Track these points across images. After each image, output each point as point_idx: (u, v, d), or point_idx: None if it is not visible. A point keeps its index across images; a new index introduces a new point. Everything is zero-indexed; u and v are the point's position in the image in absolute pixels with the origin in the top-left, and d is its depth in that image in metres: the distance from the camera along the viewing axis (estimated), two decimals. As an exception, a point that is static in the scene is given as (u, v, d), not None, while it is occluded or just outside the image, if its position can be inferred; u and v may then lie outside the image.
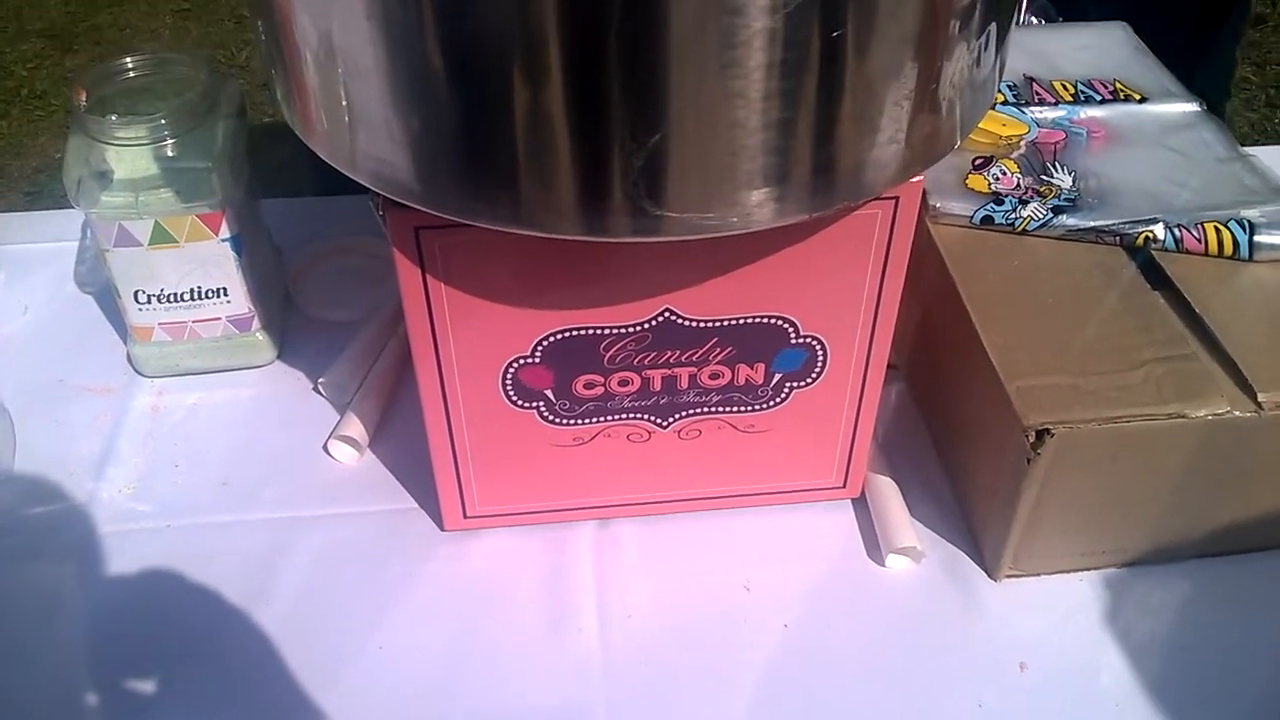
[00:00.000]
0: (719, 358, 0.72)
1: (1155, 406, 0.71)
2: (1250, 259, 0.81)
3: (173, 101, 0.85)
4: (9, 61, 2.76)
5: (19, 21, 2.91)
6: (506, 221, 0.58)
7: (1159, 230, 0.81)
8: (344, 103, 0.60)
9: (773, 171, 0.56)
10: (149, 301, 0.88)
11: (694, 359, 0.72)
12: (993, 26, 0.61)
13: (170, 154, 0.83)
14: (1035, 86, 0.95)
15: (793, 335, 0.72)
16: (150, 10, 2.91)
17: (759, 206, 0.58)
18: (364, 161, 0.62)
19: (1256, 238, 0.81)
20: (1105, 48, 1.01)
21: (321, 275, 1.02)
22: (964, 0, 0.56)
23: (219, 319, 0.90)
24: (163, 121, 0.83)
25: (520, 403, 0.73)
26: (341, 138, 0.62)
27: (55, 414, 0.91)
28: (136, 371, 0.94)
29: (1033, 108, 0.93)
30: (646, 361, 0.72)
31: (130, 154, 0.84)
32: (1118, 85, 0.96)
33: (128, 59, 0.89)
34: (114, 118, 0.85)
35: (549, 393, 0.73)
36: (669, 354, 0.72)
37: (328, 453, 0.87)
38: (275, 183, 1.01)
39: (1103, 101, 0.94)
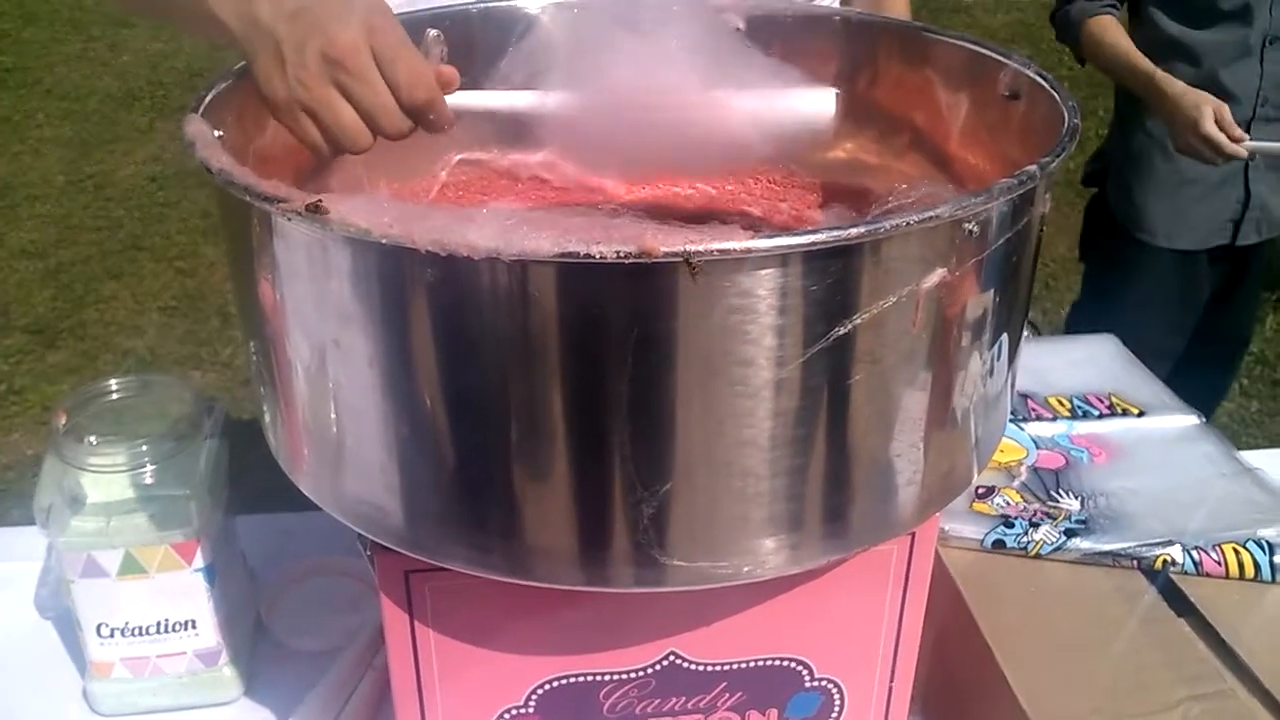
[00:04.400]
0: (728, 704, 0.67)
1: (1198, 752, 0.66)
2: (1273, 580, 0.78)
3: (154, 425, 0.83)
4: (-9, 356, 2.78)
5: (5, 317, 2.96)
6: (508, 572, 0.55)
7: (1176, 553, 0.78)
8: (336, 444, 0.57)
9: (787, 519, 0.54)
10: (112, 635, 0.83)
11: (701, 705, 0.67)
12: (1003, 353, 0.60)
13: (148, 480, 0.80)
14: (1030, 403, 0.95)
15: (807, 678, 0.67)
16: (136, 307, 2.96)
17: (773, 554, 0.55)
18: (353, 504, 0.59)
19: (1277, 558, 0.78)
20: (1097, 361, 1.02)
21: (296, 599, 0.97)
22: (976, 339, 0.56)
23: (184, 653, 0.85)
24: (143, 447, 0.80)
25: (512, 758, 0.67)
26: (329, 478, 0.59)
27: (-2, 760, 0.83)
28: (92, 709, 0.87)
29: (1029, 424, 0.92)
30: (650, 709, 0.66)
31: (106, 479, 0.80)
32: (1114, 399, 0.96)
33: (112, 381, 0.88)
34: (93, 440, 0.83)
35: (543, 747, 0.67)
36: (674, 700, 0.66)
37: (294, 810, 0.79)
38: (249, 485, 0.97)
39: (1100, 416, 0.93)
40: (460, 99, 0.63)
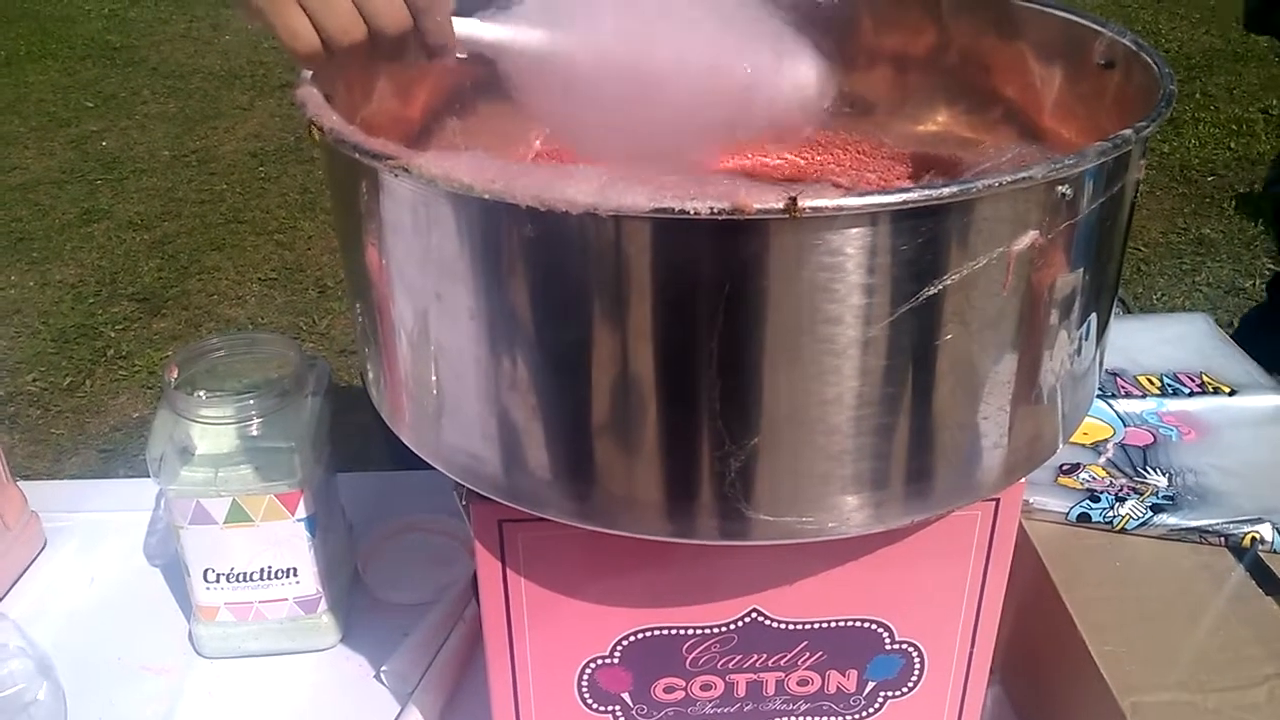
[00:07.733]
0: (808, 663, 0.68)
1: (1284, 729, 0.65)
2: (1367, 563, 0.76)
3: (261, 380, 0.87)
4: (99, 322, 2.88)
5: (113, 285, 3.06)
6: (598, 521, 0.56)
7: (1266, 531, 0.77)
8: (435, 395, 0.60)
9: (871, 477, 0.55)
10: (217, 580, 0.87)
11: (781, 663, 0.68)
12: (1093, 322, 0.60)
13: (254, 433, 0.84)
14: (1120, 380, 0.94)
15: (888, 640, 0.68)
16: (238, 278, 3.05)
17: (857, 511, 0.56)
18: (451, 454, 0.61)
19: (1371, 541, 0.77)
20: (1188, 339, 1.00)
21: (391, 554, 1.00)
22: (1066, 304, 0.56)
23: (286, 600, 0.88)
24: (250, 401, 0.84)
25: (596, 706, 0.69)
26: (430, 429, 0.62)
27: (110, 693, 0.88)
28: (196, 652, 0.91)
29: (1118, 400, 0.92)
30: (731, 665, 0.68)
31: (214, 431, 0.84)
32: (1205, 378, 0.94)
33: (220, 338, 0.91)
34: (202, 394, 0.87)
35: (626, 696, 0.69)
36: (755, 657, 0.68)
37: (387, 749, 0.82)
38: (348, 447, 1.00)
39: (1191, 394, 0.92)
40: (465, 26, 0.60)
